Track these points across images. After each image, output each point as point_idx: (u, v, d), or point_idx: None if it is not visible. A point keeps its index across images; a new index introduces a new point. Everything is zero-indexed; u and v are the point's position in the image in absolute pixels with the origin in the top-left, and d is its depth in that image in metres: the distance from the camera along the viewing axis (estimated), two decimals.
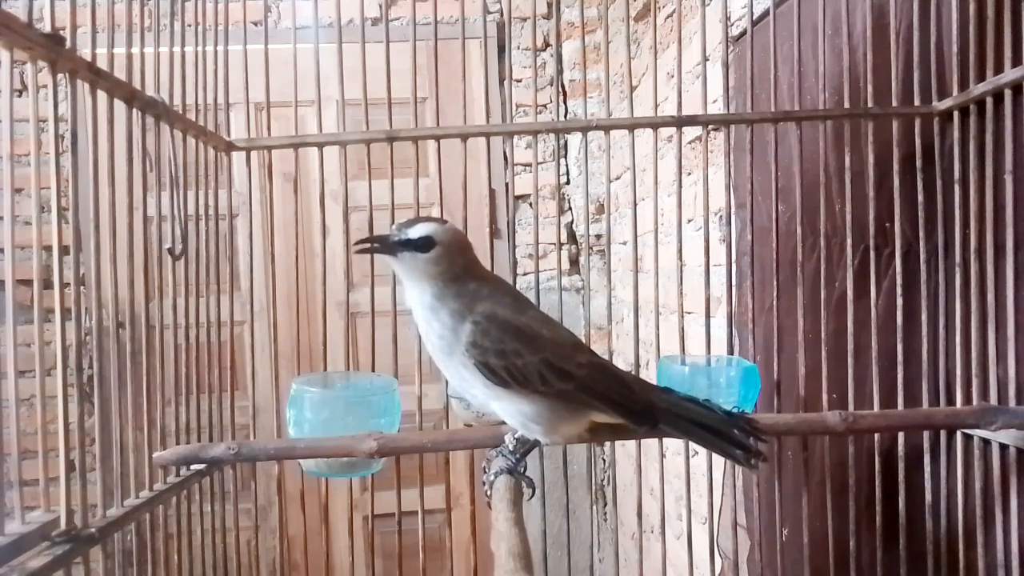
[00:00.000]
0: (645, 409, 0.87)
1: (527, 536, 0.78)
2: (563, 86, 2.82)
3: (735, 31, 1.51)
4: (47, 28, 0.78)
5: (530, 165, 2.78)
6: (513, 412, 0.87)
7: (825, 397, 1.14)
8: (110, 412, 0.89)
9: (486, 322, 0.83)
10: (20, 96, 1.88)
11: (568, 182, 2.84)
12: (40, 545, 0.74)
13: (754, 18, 1.25)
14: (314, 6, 1.31)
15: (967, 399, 1.04)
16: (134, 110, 0.94)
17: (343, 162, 1.25)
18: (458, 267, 0.86)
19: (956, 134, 1.07)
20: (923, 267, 1.10)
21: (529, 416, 0.87)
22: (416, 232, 0.84)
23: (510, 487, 0.92)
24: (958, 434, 1.04)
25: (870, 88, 1.13)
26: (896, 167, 1.12)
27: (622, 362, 1.02)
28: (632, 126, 1.22)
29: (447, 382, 1.12)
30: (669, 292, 1.30)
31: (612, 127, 1.22)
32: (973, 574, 1.01)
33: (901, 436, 1.10)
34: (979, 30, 1.01)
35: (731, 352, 1.21)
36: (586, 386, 0.86)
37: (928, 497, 1.08)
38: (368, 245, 0.87)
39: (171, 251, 1.02)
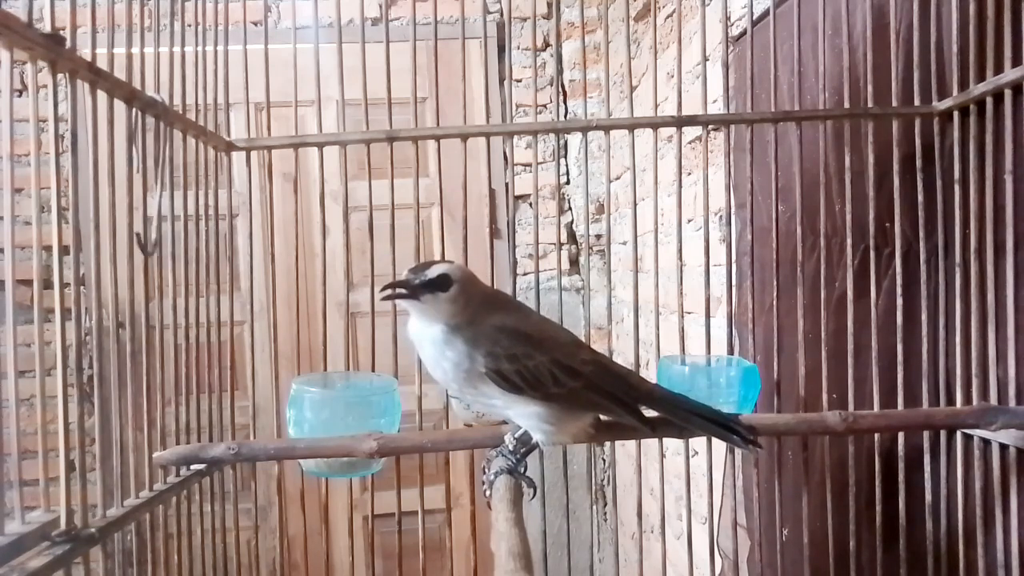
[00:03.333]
0: (647, 405, 0.92)
1: (527, 536, 0.79)
2: (563, 86, 2.82)
3: (735, 31, 1.51)
4: (47, 28, 0.78)
5: (530, 165, 2.78)
6: (528, 415, 0.92)
7: (825, 397, 1.14)
8: (110, 412, 0.89)
9: (496, 332, 0.89)
10: (20, 96, 1.88)
11: (568, 182, 2.84)
12: (40, 545, 0.74)
13: (754, 18, 1.25)
14: (314, 6, 1.31)
15: (967, 399, 1.04)
16: (134, 110, 0.94)
17: (343, 162, 1.25)
18: (468, 297, 0.90)
19: (956, 134, 1.07)
20: (923, 267, 1.10)
21: (542, 417, 0.92)
22: (433, 272, 0.88)
23: (510, 487, 0.93)
24: (958, 434, 1.05)
25: (870, 88, 1.13)
26: (896, 167, 1.12)
27: (622, 362, 1.03)
28: (632, 126, 1.22)
29: None
30: (669, 292, 1.30)
31: (612, 127, 1.22)
32: (973, 574, 1.01)
33: (901, 436, 1.10)
34: (979, 30, 1.01)
35: (731, 352, 1.21)
36: (593, 384, 0.91)
37: (928, 497, 1.08)
38: (392, 292, 0.89)
39: (140, 243, 0.96)
